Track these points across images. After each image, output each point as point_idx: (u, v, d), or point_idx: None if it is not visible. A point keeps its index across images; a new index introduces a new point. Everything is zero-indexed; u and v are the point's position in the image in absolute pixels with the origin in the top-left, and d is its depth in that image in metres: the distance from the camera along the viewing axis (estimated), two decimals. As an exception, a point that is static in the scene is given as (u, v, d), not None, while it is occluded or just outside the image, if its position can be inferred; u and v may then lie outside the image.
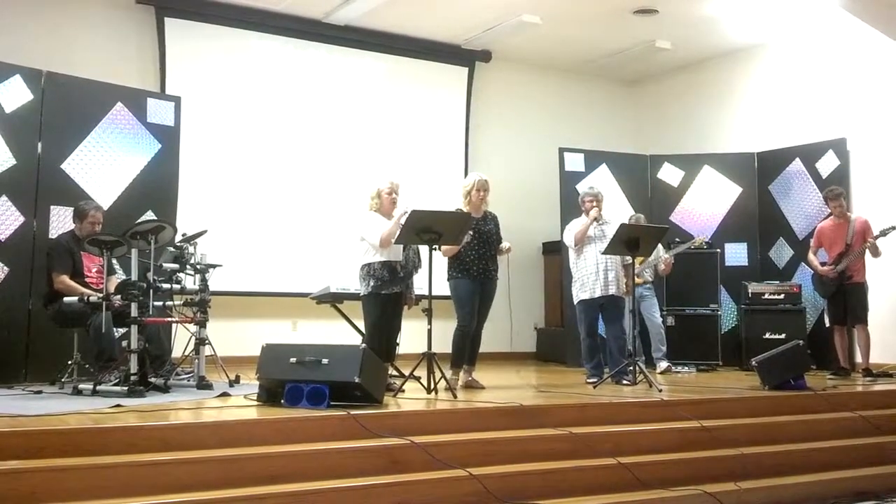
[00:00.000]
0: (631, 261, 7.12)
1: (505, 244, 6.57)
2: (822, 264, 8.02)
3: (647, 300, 8.38)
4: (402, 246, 6.22)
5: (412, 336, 6.52)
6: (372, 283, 6.13)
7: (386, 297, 6.15)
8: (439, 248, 6.10)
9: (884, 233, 7.66)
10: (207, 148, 8.97)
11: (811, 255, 8.20)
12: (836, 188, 8.18)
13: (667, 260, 8.24)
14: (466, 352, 6.46)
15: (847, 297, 7.85)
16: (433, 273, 5.88)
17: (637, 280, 8.29)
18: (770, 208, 9.69)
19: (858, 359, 8.34)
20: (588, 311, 7.18)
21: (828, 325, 8.25)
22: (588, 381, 7.04)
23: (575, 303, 7.34)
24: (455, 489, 4.31)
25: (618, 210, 9.34)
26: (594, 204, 7.20)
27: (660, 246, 8.60)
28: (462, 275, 6.41)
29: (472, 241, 6.37)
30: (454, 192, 7.02)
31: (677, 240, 8.58)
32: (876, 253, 7.76)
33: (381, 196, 6.28)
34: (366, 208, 6.35)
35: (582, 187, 9.67)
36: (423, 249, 6.26)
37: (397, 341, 6.44)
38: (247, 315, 8.81)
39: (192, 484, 3.87)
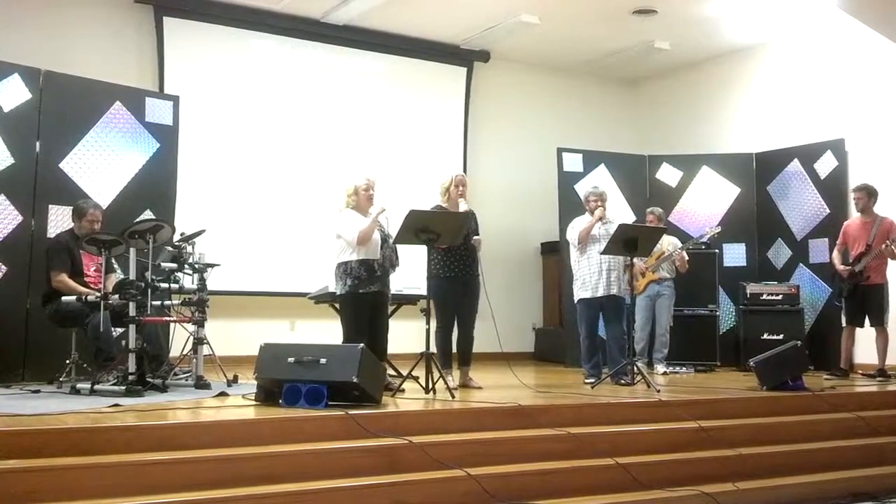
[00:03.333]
0: (635, 261, 7.10)
1: (476, 238, 6.46)
2: (844, 263, 7.93)
3: (662, 298, 8.37)
4: (379, 244, 6.14)
5: (410, 336, 6.52)
6: (349, 282, 6.05)
7: (364, 297, 6.06)
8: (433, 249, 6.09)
9: None
10: (206, 147, 8.96)
11: (835, 253, 8.12)
12: (863, 183, 8.05)
13: (680, 255, 8.25)
14: (450, 351, 6.43)
15: (864, 299, 7.76)
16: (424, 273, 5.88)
17: (653, 276, 8.33)
18: (768, 209, 9.70)
19: (858, 360, 8.35)
20: (588, 310, 7.16)
21: (844, 324, 8.08)
22: (586, 381, 7.03)
23: (575, 301, 7.33)
24: (453, 489, 4.31)
25: (616, 210, 9.34)
26: (599, 203, 7.17)
27: (677, 241, 8.61)
28: (443, 273, 6.39)
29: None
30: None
31: (694, 238, 8.66)
32: (894, 256, 7.65)
33: (358, 193, 6.23)
34: (341, 206, 6.31)
35: (582, 187, 9.69)
36: (401, 248, 6.26)
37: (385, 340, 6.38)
38: (245, 315, 8.80)
39: (190, 483, 3.87)
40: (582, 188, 9.68)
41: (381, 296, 6.19)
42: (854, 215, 8.21)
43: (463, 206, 6.35)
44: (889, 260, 7.78)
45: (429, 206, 6.49)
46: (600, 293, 7.04)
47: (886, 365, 7.75)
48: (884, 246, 7.61)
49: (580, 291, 7.19)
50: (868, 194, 7.93)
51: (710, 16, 9.40)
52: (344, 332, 6.22)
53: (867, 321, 7.81)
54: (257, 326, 8.48)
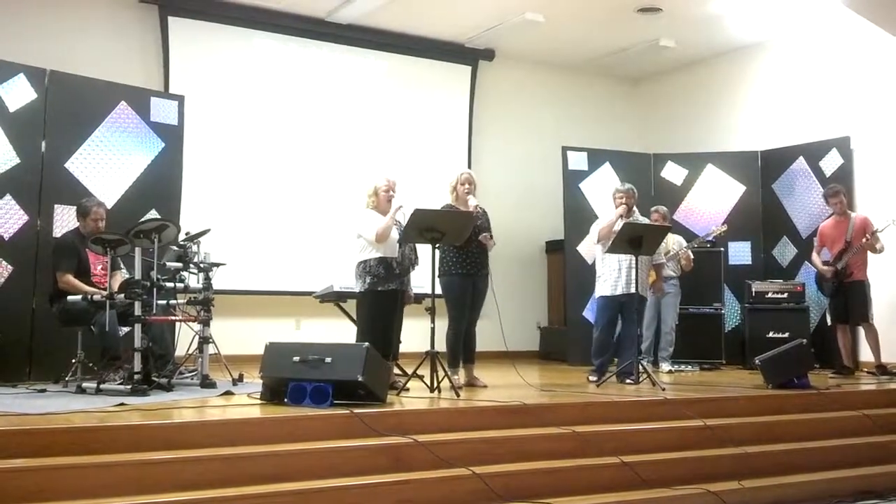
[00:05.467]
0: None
1: (484, 234, 6.45)
2: (825, 263, 8.03)
3: (668, 297, 8.37)
4: (398, 243, 6.20)
5: (415, 335, 6.52)
6: (368, 280, 6.11)
7: (382, 294, 6.12)
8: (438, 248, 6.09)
9: (879, 230, 7.65)
10: (211, 147, 8.97)
11: (814, 255, 8.22)
12: (834, 185, 8.25)
13: (685, 254, 8.24)
14: (460, 349, 6.45)
15: (847, 295, 7.85)
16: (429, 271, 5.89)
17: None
18: (774, 207, 9.68)
19: (862, 357, 8.36)
20: (608, 307, 7.12)
21: (829, 323, 8.23)
22: (591, 377, 7.02)
23: (595, 297, 7.31)
24: (458, 488, 4.32)
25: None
26: (623, 201, 7.11)
27: (682, 240, 8.60)
28: (454, 272, 6.40)
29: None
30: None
31: (700, 237, 8.66)
32: (875, 250, 7.76)
33: (378, 194, 6.27)
34: (363, 206, 6.35)
35: (587, 185, 9.70)
36: (420, 246, 6.27)
37: (399, 339, 6.42)
38: (250, 314, 8.81)
39: (195, 482, 3.89)
40: (587, 187, 9.71)
41: (398, 294, 6.25)
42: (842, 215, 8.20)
43: (472, 202, 6.35)
44: (869, 255, 7.86)
45: (434, 204, 6.48)
46: (619, 291, 6.99)
47: (885, 363, 7.79)
48: (864, 240, 7.69)
49: (600, 288, 7.16)
50: (845, 195, 8.11)
51: (715, 13, 9.38)
52: (358, 328, 6.27)
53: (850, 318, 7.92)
54: (263, 325, 8.49)
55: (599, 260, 7.25)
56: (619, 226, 6.95)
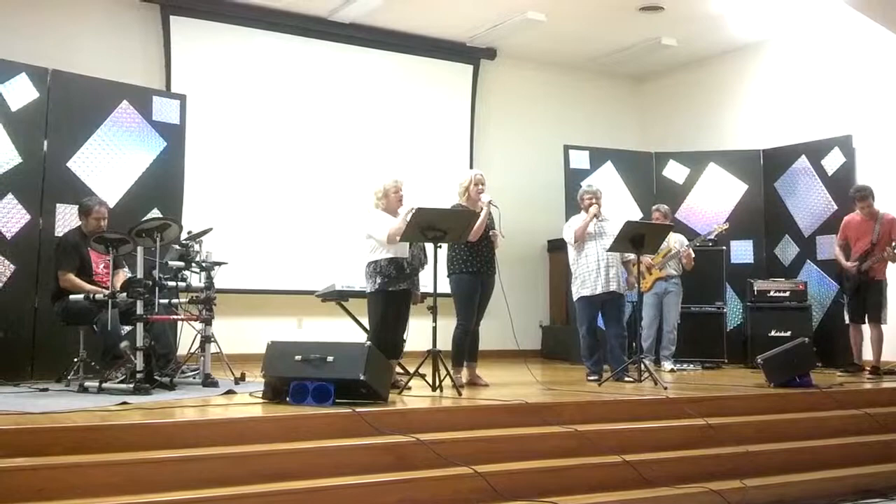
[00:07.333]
0: (634, 257, 7.10)
1: (493, 231, 6.49)
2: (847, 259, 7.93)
3: (670, 295, 8.36)
4: (408, 243, 6.21)
5: (417, 334, 6.52)
6: (379, 280, 6.13)
7: (393, 294, 6.14)
8: (440, 247, 6.10)
9: None
10: (213, 146, 8.98)
11: (837, 250, 8.10)
12: (864, 189, 7.96)
13: (686, 252, 8.24)
14: (466, 348, 6.45)
15: (866, 294, 7.79)
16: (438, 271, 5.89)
17: (660, 274, 8.31)
18: (776, 206, 9.67)
19: (867, 356, 8.34)
20: (589, 308, 7.15)
21: (847, 321, 8.10)
22: (588, 378, 7.02)
23: (575, 299, 7.32)
24: (460, 486, 4.32)
25: (623, 207, 9.34)
26: (593, 201, 7.17)
27: (683, 238, 8.60)
28: (464, 270, 6.41)
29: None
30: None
31: (701, 235, 8.65)
32: (894, 260, 7.67)
33: (388, 195, 6.28)
34: (371, 206, 6.36)
35: (588, 184, 9.68)
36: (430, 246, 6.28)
37: (404, 338, 6.43)
38: (252, 313, 8.82)
39: (197, 481, 3.88)
40: (583, 185, 9.68)
41: (409, 294, 6.27)
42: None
43: (486, 198, 6.37)
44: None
45: (435, 202, 6.47)
46: (599, 290, 7.01)
47: (887, 361, 7.77)
48: (885, 253, 7.64)
49: (580, 289, 7.17)
50: (873, 197, 7.88)
51: (716, 12, 9.38)
52: (371, 327, 6.29)
53: (866, 317, 7.86)
54: (264, 324, 8.49)
55: (574, 262, 7.27)
56: (592, 227, 7.06)
